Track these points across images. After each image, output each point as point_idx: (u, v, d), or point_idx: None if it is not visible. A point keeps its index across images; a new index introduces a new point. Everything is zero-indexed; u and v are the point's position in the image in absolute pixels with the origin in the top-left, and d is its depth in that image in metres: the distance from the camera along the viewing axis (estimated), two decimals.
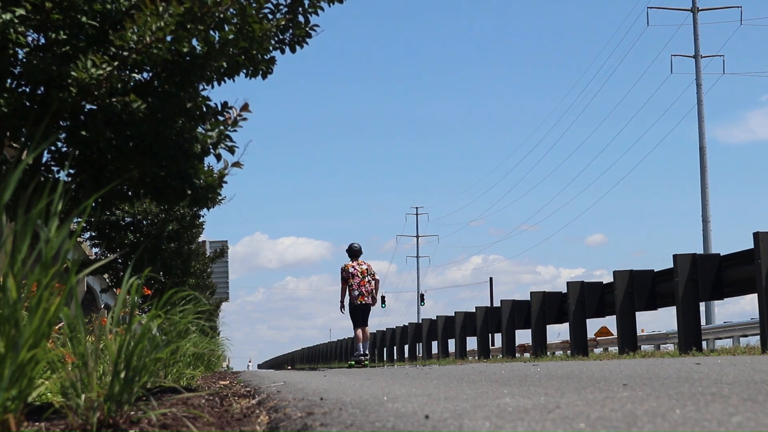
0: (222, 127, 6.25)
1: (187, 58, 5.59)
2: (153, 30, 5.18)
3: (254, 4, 5.72)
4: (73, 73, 5.16)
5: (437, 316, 24.76)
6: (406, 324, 28.35)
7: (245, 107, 6.29)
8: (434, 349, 25.84)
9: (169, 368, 6.46)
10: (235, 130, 6.30)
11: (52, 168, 6.07)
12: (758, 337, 11.88)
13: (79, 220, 7.39)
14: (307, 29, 6.25)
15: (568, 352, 17.18)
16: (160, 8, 5.18)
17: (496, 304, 21.85)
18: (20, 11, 5.14)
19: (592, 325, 47.15)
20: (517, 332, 19.76)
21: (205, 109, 6.20)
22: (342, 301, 16.70)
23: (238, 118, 6.28)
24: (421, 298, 70.37)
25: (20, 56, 5.48)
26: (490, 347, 22.05)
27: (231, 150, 6.35)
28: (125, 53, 5.24)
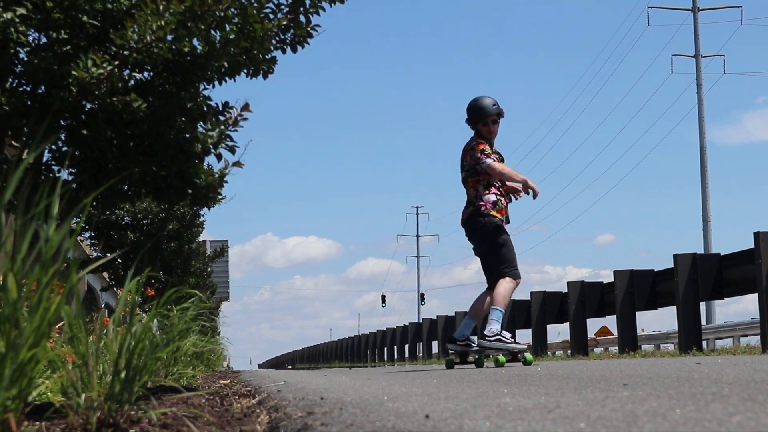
0: (223, 127, 6.25)
1: (188, 58, 5.59)
2: (153, 29, 5.18)
3: (255, 4, 5.72)
4: (73, 72, 5.16)
5: (437, 316, 24.79)
6: (407, 323, 28.38)
7: (246, 107, 6.28)
8: (434, 349, 25.85)
9: (170, 368, 6.46)
10: (235, 130, 6.30)
11: (53, 167, 6.06)
12: (758, 336, 11.89)
13: (79, 219, 7.39)
14: (309, 29, 6.24)
15: (568, 351, 17.17)
16: (161, 7, 5.18)
17: None
18: (21, 10, 5.14)
19: (593, 325, 47.16)
20: (518, 332, 19.76)
21: (205, 108, 6.20)
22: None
23: (239, 118, 6.27)
24: (422, 298, 70.48)
25: (21, 55, 5.48)
26: None
27: (232, 150, 6.35)
28: (126, 52, 5.24)
